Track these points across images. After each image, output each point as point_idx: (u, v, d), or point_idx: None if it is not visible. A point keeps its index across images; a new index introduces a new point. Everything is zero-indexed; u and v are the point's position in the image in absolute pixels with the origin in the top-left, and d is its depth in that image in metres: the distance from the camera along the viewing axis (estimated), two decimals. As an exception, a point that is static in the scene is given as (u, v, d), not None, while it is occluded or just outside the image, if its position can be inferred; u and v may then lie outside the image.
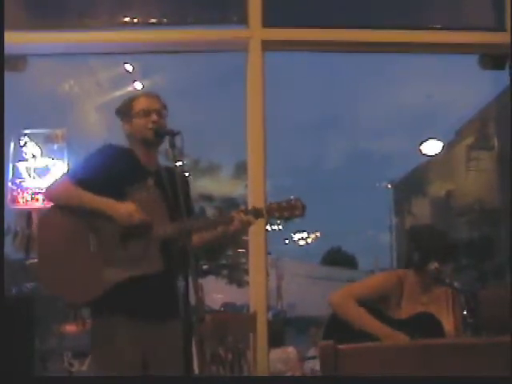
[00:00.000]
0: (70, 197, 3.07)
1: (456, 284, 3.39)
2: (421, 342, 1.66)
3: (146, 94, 3.36)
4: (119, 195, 3.06)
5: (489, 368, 1.42)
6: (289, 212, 3.10)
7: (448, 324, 3.40)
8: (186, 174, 2.94)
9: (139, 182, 3.15)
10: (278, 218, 3.14)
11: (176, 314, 3.15)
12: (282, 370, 5.52)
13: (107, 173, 3.06)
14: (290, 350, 5.96)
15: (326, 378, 1.44)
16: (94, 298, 3.01)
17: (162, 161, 3.36)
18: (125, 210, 2.99)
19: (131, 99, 3.27)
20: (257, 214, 3.13)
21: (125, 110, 3.26)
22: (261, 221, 3.29)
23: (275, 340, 6.12)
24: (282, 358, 5.69)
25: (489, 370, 1.41)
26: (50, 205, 3.21)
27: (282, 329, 6.43)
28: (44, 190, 3.23)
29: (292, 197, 3.14)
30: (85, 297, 3.06)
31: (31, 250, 5.40)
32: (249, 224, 3.12)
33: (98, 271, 2.99)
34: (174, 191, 3.09)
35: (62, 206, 3.10)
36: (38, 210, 5.24)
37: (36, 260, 3.17)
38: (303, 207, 3.12)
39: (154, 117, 3.17)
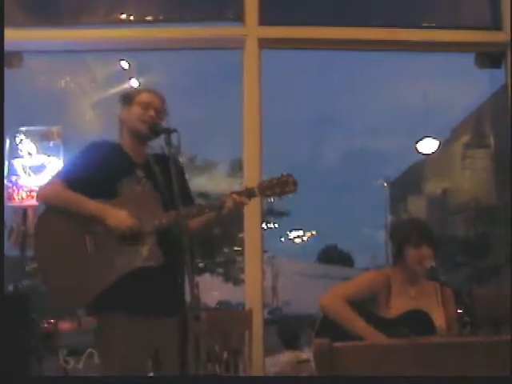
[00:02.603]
0: (61, 200, 3.07)
1: (445, 279, 3.40)
2: (417, 340, 1.66)
3: (151, 90, 3.37)
4: (111, 191, 3.06)
5: (486, 367, 1.42)
6: (280, 188, 3.09)
7: (439, 318, 3.41)
8: (179, 162, 2.94)
9: (130, 175, 3.15)
10: (271, 196, 3.13)
11: (175, 308, 3.15)
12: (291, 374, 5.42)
13: (97, 170, 3.06)
14: (304, 355, 5.81)
15: (322, 378, 1.44)
16: (95, 298, 3.00)
17: (152, 152, 3.36)
18: (116, 217, 2.99)
19: (137, 90, 3.36)
20: (249, 193, 3.12)
21: (127, 97, 3.28)
22: (255, 218, 3.28)
23: (289, 343, 6.04)
24: (291, 363, 5.59)
25: (486, 369, 1.41)
26: (46, 206, 3.20)
27: (296, 331, 6.29)
28: (36, 193, 3.23)
29: (284, 173, 3.13)
30: (85, 297, 3.05)
31: (26, 247, 5.39)
32: (242, 204, 3.12)
33: (96, 270, 2.99)
34: (166, 180, 3.09)
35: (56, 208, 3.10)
36: (34, 207, 5.23)
37: (36, 262, 3.17)
38: (294, 183, 3.11)
39: (152, 112, 3.18)
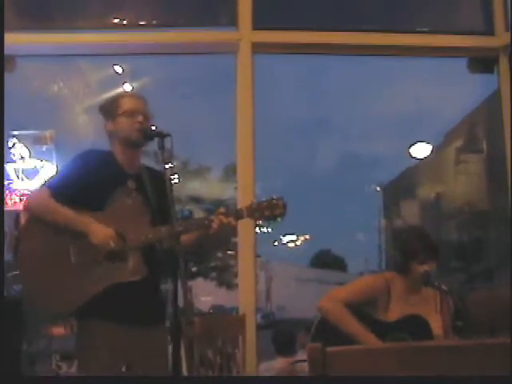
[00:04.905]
0: (47, 212, 3.04)
1: (444, 286, 3.40)
2: (410, 344, 1.66)
3: (131, 94, 3.35)
4: (101, 202, 3.03)
5: (477, 370, 1.42)
6: (270, 211, 3.06)
7: (436, 325, 3.41)
8: (170, 177, 2.91)
9: (121, 186, 3.11)
10: (260, 219, 3.11)
11: (162, 318, 3.14)
12: None
13: (87, 180, 3.02)
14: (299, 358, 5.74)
15: (314, 378, 1.44)
16: (78, 308, 2.99)
17: (149, 163, 3.34)
18: (102, 236, 2.96)
19: (117, 98, 3.25)
20: (238, 214, 3.10)
21: (109, 108, 3.23)
22: (249, 223, 3.27)
23: (282, 348, 6.00)
24: (286, 369, 5.54)
25: (479, 372, 1.41)
26: (31, 216, 3.16)
27: (290, 336, 6.24)
28: (23, 202, 3.21)
29: (274, 196, 3.11)
30: (68, 307, 3.04)
31: (17, 261, 5.37)
32: (230, 225, 3.10)
33: (80, 281, 2.97)
34: (156, 195, 3.08)
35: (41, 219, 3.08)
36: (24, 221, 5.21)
37: (18, 269, 3.15)
38: (284, 206, 3.07)
39: (140, 118, 3.14)
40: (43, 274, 3.02)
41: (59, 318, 5.27)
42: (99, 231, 2.97)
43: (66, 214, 3.00)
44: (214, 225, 3.02)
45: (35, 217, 3.10)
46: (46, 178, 3.26)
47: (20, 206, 5.34)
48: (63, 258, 2.99)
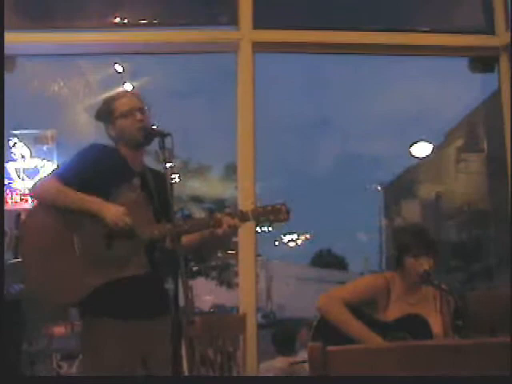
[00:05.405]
0: (56, 195, 3.03)
1: (444, 285, 3.39)
2: (410, 343, 1.66)
3: (125, 94, 3.35)
4: (105, 195, 3.04)
5: (477, 369, 1.42)
6: (274, 216, 3.11)
7: (436, 324, 3.41)
8: (171, 176, 2.92)
9: (125, 182, 3.12)
10: (264, 222, 3.15)
11: (164, 315, 3.14)
12: None
13: (93, 172, 3.03)
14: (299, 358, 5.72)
15: (315, 378, 1.44)
16: (80, 300, 2.99)
17: (150, 162, 3.35)
18: (114, 212, 2.97)
19: (111, 101, 3.25)
20: (243, 217, 3.12)
21: (107, 113, 3.23)
22: (249, 223, 3.28)
23: (283, 348, 6.00)
24: (285, 368, 5.53)
25: (478, 372, 1.41)
26: (35, 206, 3.19)
27: (290, 336, 6.23)
28: (30, 190, 3.21)
29: (278, 201, 3.14)
30: (70, 298, 3.04)
31: (20, 251, 5.37)
32: (235, 227, 3.12)
33: (83, 273, 2.97)
34: (159, 193, 3.08)
35: (47, 207, 3.07)
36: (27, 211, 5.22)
37: (21, 260, 3.15)
38: (288, 212, 3.13)
39: (139, 115, 3.15)
40: (47, 265, 3.02)
41: (59, 310, 5.27)
42: (111, 208, 2.98)
43: (75, 195, 3.00)
44: (222, 225, 3.04)
45: (41, 205, 3.11)
46: (51, 172, 3.26)
47: (21, 206, 5.35)
48: (67, 249, 3.00)
